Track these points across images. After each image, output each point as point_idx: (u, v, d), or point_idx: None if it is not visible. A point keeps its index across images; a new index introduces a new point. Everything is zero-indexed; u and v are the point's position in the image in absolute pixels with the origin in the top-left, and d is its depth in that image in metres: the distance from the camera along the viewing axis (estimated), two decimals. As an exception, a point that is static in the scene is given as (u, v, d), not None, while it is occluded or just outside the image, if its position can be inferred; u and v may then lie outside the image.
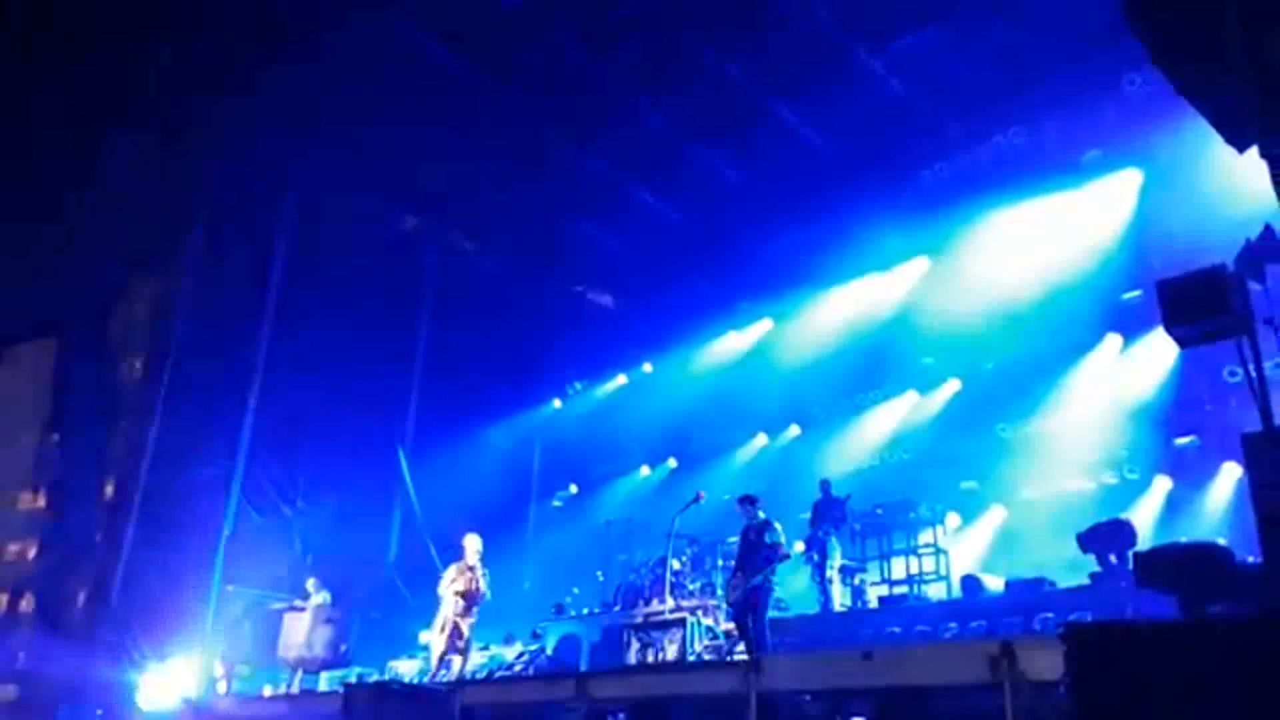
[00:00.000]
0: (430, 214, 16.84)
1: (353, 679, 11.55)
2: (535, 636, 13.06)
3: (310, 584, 12.66)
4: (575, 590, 14.93)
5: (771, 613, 9.03)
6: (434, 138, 14.50)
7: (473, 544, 10.13)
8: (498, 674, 11.45)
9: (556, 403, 19.89)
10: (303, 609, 12.17)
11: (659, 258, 17.29)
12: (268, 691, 12.09)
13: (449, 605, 9.76)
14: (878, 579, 12.37)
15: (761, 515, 9.07)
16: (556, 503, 19.19)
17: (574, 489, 19.16)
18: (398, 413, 17.21)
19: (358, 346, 15.84)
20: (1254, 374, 5.75)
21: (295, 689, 11.59)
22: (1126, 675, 4.01)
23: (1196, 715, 3.77)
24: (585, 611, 13.41)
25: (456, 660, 9.97)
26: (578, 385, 19.61)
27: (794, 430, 16.59)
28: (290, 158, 14.70)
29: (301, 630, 11.79)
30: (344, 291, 15.50)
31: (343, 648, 11.97)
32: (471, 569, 9.92)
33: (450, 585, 9.90)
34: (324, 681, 12.20)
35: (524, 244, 17.51)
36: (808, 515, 12.72)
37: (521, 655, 12.26)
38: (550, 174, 15.64)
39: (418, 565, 15.35)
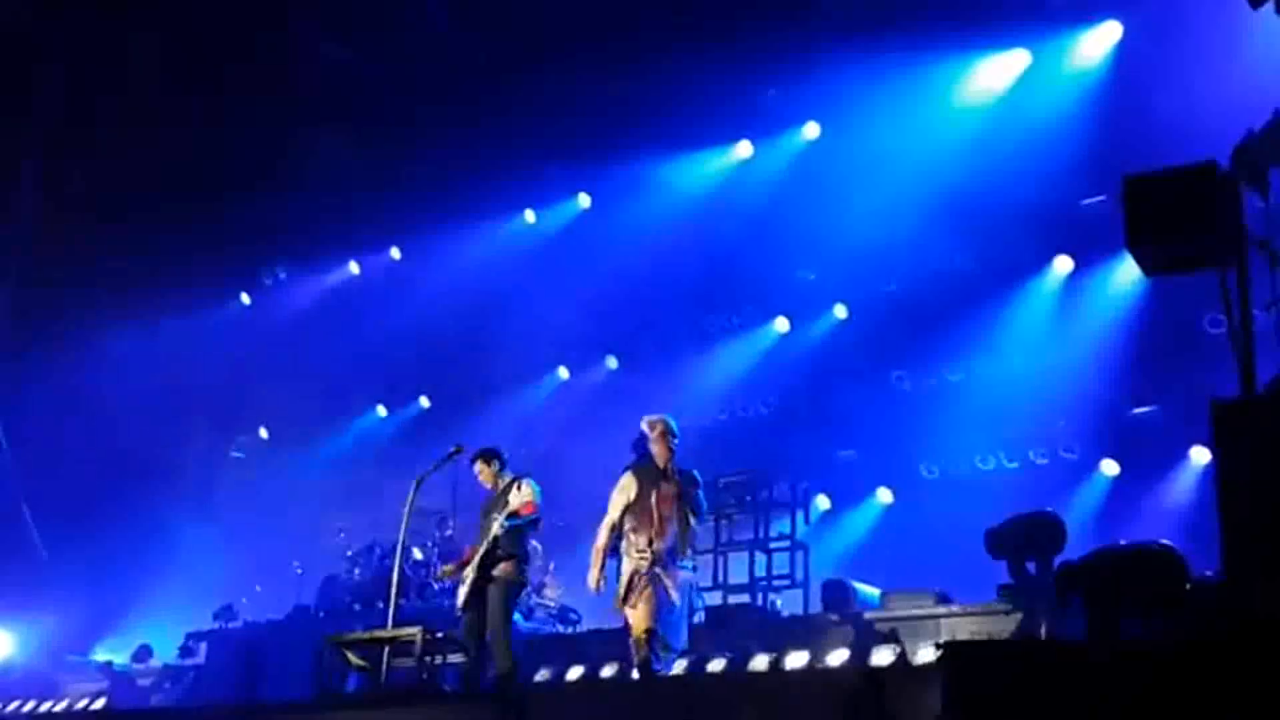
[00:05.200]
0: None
1: None
2: (186, 652, 12.82)
3: None
4: (258, 587, 15.02)
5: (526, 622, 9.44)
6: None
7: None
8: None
9: (245, 298, 19.51)
10: None
11: (427, 84, 16.74)
12: None
13: None
14: (709, 583, 12.68)
15: (508, 476, 9.53)
16: (236, 453, 19.08)
17: (264, 433, 19.05)
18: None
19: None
20: (1236, 317, 6.12)
21: None
22: (1021, 709, 4.22)
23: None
24: (269, 619, 13.53)
25: None
26: (280, 272, 19.27)
27: (609, 363, 16.82)
28: None
29: None
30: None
31: None
32: None
33: None
34: None
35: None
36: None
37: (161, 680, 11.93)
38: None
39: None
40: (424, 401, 18.24)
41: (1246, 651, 4.05)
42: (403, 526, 9.90)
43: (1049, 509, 9.58)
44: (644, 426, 8.90)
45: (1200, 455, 11.48)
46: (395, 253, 18.69)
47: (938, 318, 13.58)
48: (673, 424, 8.85)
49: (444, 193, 17.00)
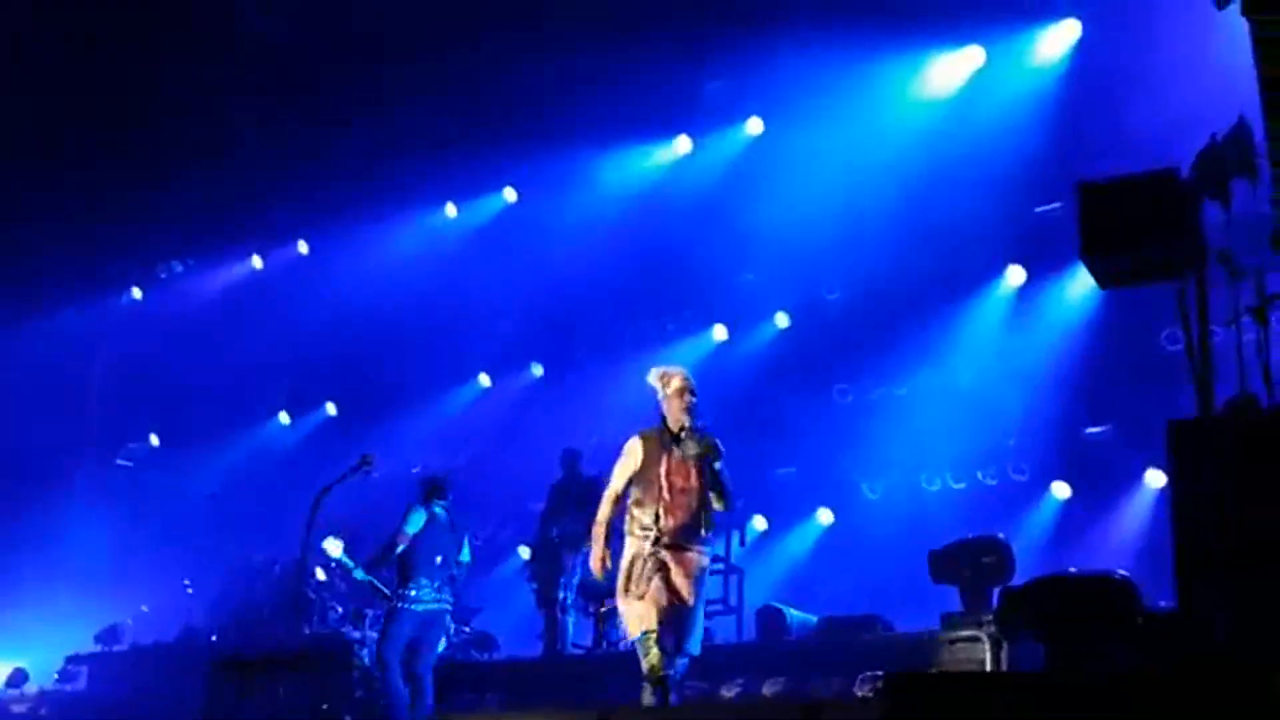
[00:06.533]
0: None
1: None
2: (66, 676, 12.94)
3: None
4: (144, 607, 14.97)
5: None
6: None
7: None
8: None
9: (136, 292, 19.33)
10: None
11: (340, 59, 16.51)
12: None
13: None
14: (637, 610, 12.69)
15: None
16: (124, 461, 18.91)
17: (155, 440, 18.91)
18: None
19: None
20: (1195, 333, 6.26)
21: None
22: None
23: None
24: (156, 641, 13.58)
25: None
26: (175, 265, 19.13)
27: (534, 371, 16.84)
28: None
29: None
30: None
31: None
32: None
33: None
34: None
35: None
36: (540, 506, 12.87)
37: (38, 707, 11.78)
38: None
39: None
40: (331, 409, 18.18)
41: (1201, 688, 4.13)
42: (304, 543, 9.81)
43: (997, 533, 9.73)
44: (653, 380, 7.83)
45: (1156, 478, 11.69)
46: (302, 246, 18.58)
47: (883, 328, 13.71)
48: (690, 378, 7.84)
49: (356, 182, 16.90)
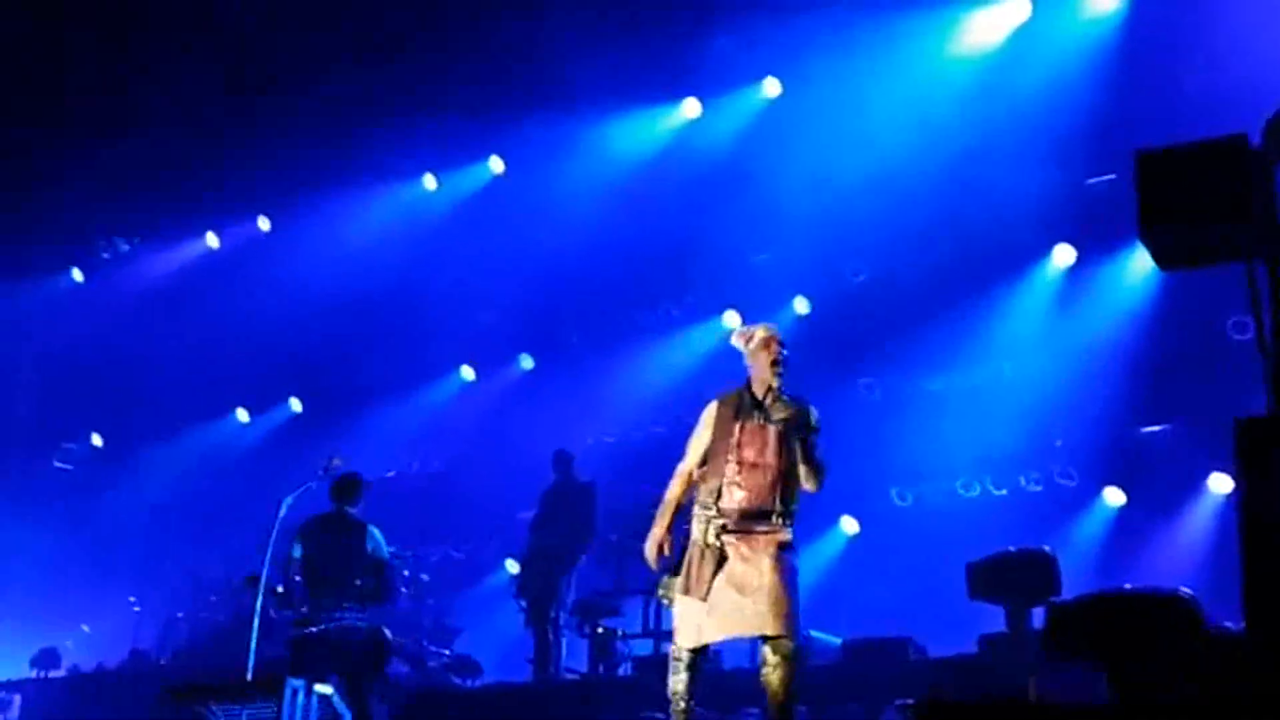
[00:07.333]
0: None
1: None
2: None
3: None
4: (85, 627, 15.11)
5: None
6: None
7: None
8: None
9: (76, 274, 19.39)
10: None
11: (307, 15, 16.44)
12: None
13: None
14: (640, 629, 12.74)
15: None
16: (62, 463, 19.05)
17: (97, 440, 18.99)
18: None
19: None
20: (1266, 321, 6.23)
21: None
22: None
23: None
24: (99, 665, 13.68)
25: None
26: (121, 244, 19.20)
27: (523, 363, 16.88)
28: None
29: None
30: None
31: None
32: None
33: None
34: None
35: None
36: (531, 515, 12.89)
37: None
38: None
39: None
40: (295, 404, 18.24)
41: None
42: (267, 556, 9.81)
43: (1043, 545, 9.73)
44: (736, 341, 7.42)
45: (1220, 483, 11.72)
46: (263, 223, 18.62)
47: (914, 315, 13.73)
48: (777, 332, 7.35)
49: (324, 151, 16.91)
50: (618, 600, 13.03)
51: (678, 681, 6.82)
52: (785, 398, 7.15)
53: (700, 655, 6.86)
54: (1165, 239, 6.42)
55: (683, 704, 6.81)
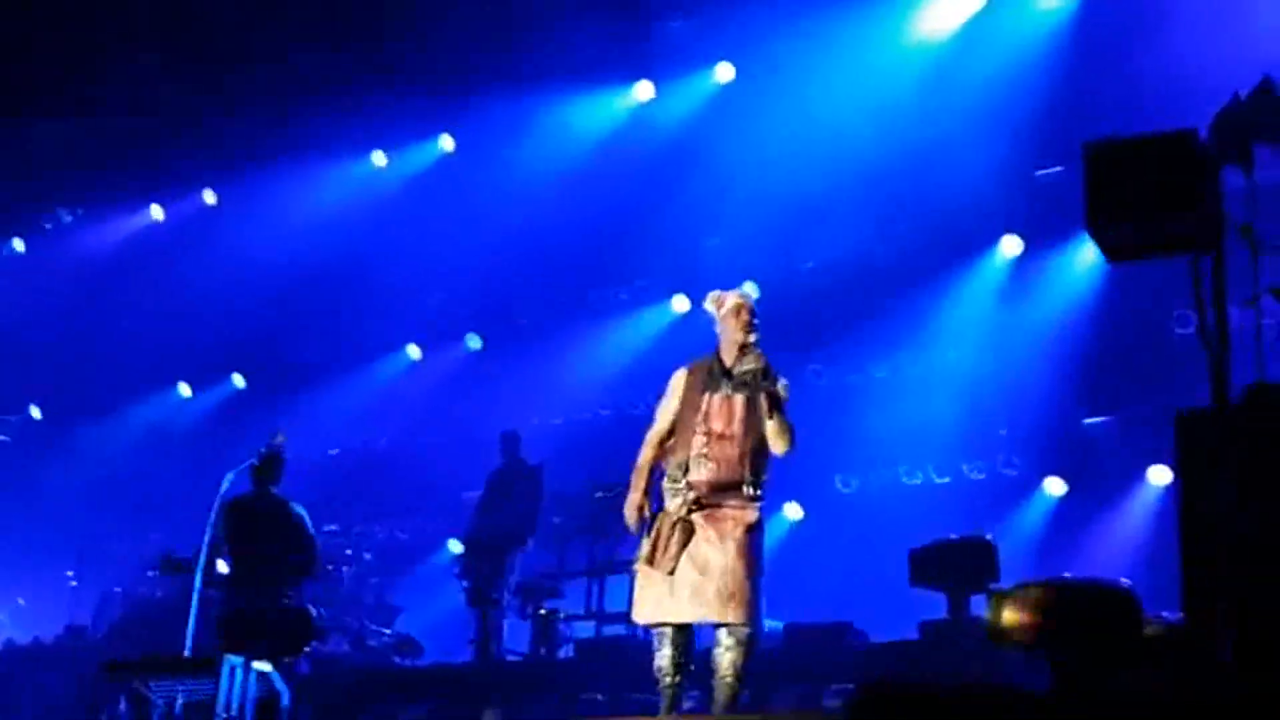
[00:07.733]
0: None
1: None
2: None
3: None
4: (20, 600, 15.23)
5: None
6: None
7: None
8: None
9: (17, 244, 19.35)
10: None
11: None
12: None
13: None
14: (582, 611, 12.73)
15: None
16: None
17: (36, 413, 18.88)
18: None
19: None
20: (1210, 314, 6.26)
21: None
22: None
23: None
24: (35, 639, 13.49)
25: None
26: (63, 215, 19.05)
27: (470, 343, 16.83)
28: None
29: None
30: None
31: None
32: None
33: None
34: None
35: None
36: (476, 495, 12.82)
37: None
38: None
39: None
40: (238, 380, 18.09)
41: (1209, 712, 4.14)
42: (205, 533, 9.76)
43: (984, 533, 9.80)
44: (708, 305, 7.42)
45: (1161, 475, 11.77)
46: (209, 196, 18.45)
47: (863, 303, 13.73)
48: (751, 301, 7.36)
49: (272, 124, 16.73)
50: (560, 582, 13.01)
51: (661, 657, 6.77)
52: (758, 351, 7.06)
53: (681, 631, 6.77)
54: (1111, 231, 6.44)
55: (668, 679, 6.76)
